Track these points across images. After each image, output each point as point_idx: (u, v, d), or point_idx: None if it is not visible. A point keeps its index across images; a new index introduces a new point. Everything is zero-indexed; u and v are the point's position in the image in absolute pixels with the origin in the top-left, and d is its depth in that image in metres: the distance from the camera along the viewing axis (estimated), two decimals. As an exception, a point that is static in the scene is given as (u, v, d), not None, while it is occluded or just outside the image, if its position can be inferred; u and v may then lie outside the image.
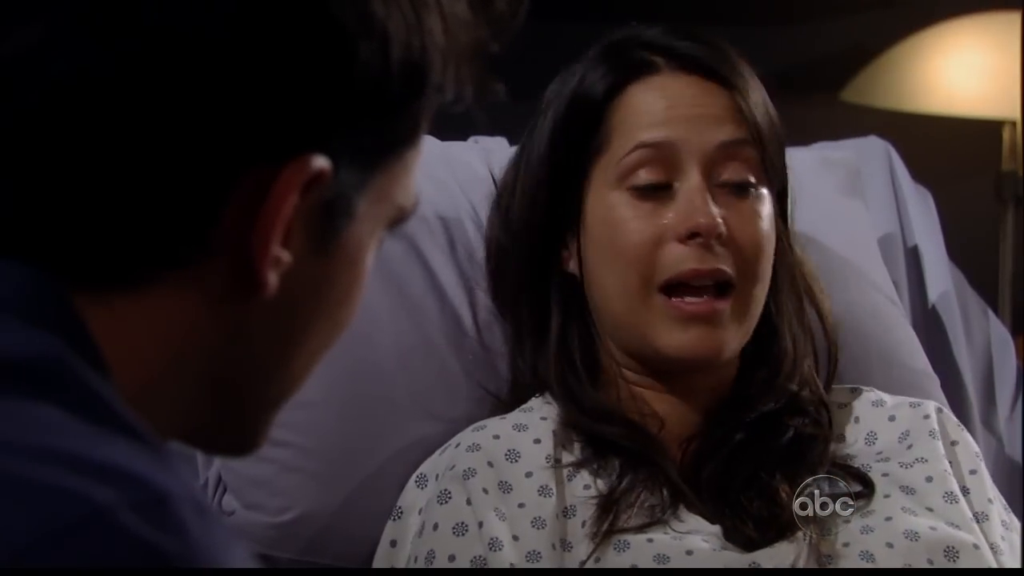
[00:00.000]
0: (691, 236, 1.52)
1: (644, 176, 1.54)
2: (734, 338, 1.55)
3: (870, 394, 1.66)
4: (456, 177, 1.80)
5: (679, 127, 1.54)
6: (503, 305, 1.67)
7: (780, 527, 1.51)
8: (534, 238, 1.60)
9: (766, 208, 1.56)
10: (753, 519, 1.52)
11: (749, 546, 1.51)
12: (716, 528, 1.52)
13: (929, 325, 1.96)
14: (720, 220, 1.52)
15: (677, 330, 1.53)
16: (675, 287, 1.53)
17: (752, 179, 1.55)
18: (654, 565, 1.48)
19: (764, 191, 1.57)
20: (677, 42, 1.57)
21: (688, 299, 1.53)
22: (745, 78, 1.57)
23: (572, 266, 1.60)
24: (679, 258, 1.52)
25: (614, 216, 1.55)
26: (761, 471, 1.54)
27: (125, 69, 0.77)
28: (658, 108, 1.55)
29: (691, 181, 1.53)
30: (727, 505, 1.53)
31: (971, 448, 1.63)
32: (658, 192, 1.54)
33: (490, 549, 1.51)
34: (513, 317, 1.65)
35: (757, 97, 1.57)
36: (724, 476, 1.55)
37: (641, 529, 1.51)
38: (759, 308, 1.57)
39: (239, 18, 0.78)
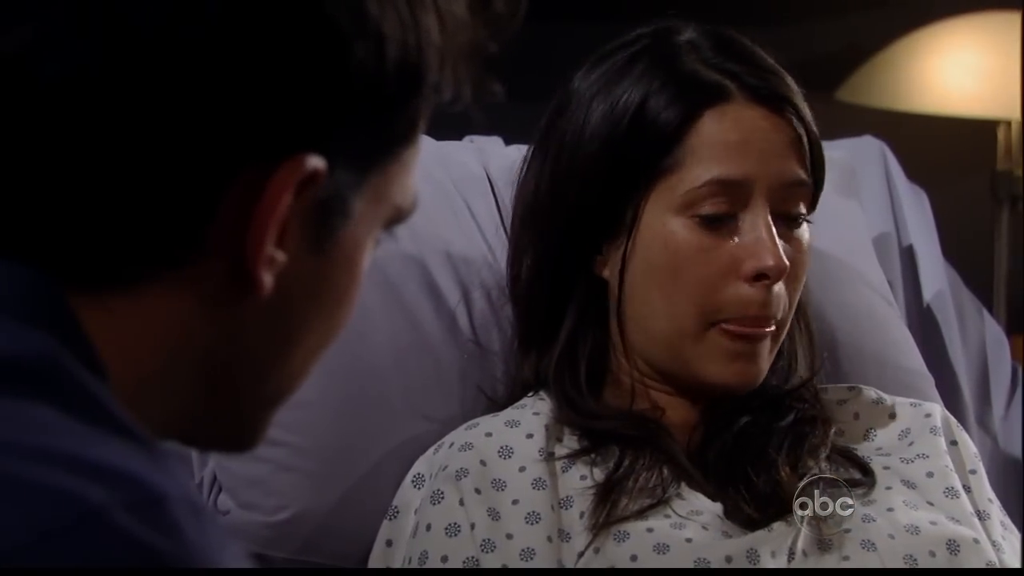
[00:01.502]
0: (758, 277, 1.52)
1: (711, 207, 1.53)
2: (768, 363, 1.56)
3: (869, 392, 1.67)
4: (451, 176, 1.79)
5: (752, 162, 1.53)
6: (517, 301, 1.65)
7: (780, 506, 1.52)
8: (570, 239, 1.58)
9: (807, 236, 1.57)
10: (755, 497, 1.52)
11: (749, 525, 1.51)
12: (717, 506, 1.53)
13: (924, 325, 1.96)
14: (788, 263, 1.52)
15: (724, 362, 1.53)
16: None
17: (804, 211, 1.56)
18: (654, 555, 1.49)
19: (807, 221, 1.57)
20: (741, 66, 1.55)
21: (736, 328, 1.52)
22: (802, 101, 1.56)
23: (607, 273, 1.58)
24: (745, 300, 1.52)
25: (677, 242, 1.53)
26: (767, 448, 1.55)
27: (118, 69, 0.77)
28: (733, 141, 1.53)
29: (758, 217, 1.52)
30: (731, 483, 1.54)
31: (970, 449, 1.64)
32: (723, 222, 1.53)
33: (482, 550, 1.51)
34: (525, 312, 1.63)
35: (812, 125, 1.56)
36: (731, 454, 1.55)
37: (642, 514, 1.51)
38: (785, 331, 1.58)
39: (232, 17, 0.78)
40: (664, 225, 1.54)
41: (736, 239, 1.52)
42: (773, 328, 1.54)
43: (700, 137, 1.53)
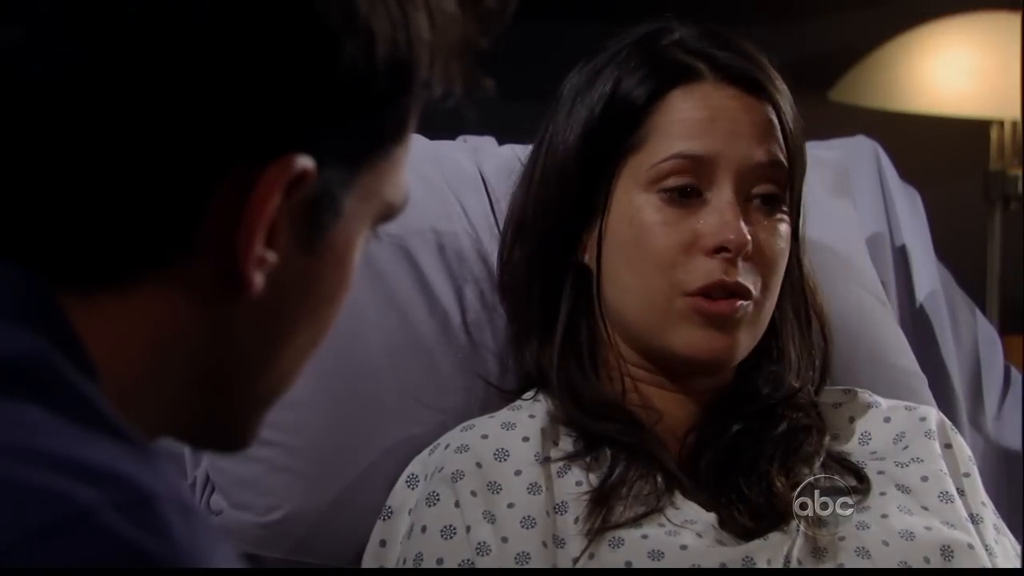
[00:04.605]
0: (718, 250, 1.52)
1: (675, 181, 1.54)
2: (745, 342, 1.56)
3: (864, 396, 1.67)
4: (444, 175, 1.79)
5: (718, 141, 1.54)
6: (510, 297, 1.66)
7: (775, 517, 1.52)
8: (554, 229, 1.60)
9: (786, 225, 1.57)
10: (749, 508, 1.52)
11: (744, 535, 1.51)
12: (711, 516, 1.52)
13: (917, 324, 1.96)
14: (750, 238, 1.52)
15: (695, 331, 1.53)
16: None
17: (780, 196, 1.56)
18: (648, 562, 1.49)
19: (786, 208, 1.57)
20: (719, 51, 1.56)
21: (703, 303, 1.53)
22: (781, 92, 1.57)
23: (588, 259, 1.59)
24: (708, 271, 1.52)
25: (642, 218, 1.55)
26: (759, 459, 1.55)
27: (106, 68, 0.77)
28: (699, 118, 1.54)
29: (724, 195, 1.53)
30: (724, 493, 1.54)
31: (964, 452, 1.63)
32: (688, 199, 1.54)
33: (478, 554, 1.51)
34: (520, 309, 1.64)
35: (792, 113, 1.57)
36: (723, 464, 1.55)
37: (636, 522, 1.51)
38: (768, 317, 1.58)
39: (222, 16, 0.78)
40: (631, 202, 1.55)
41: (700, 215, 1.53)
42: (743, 304, 1.53)
43: (666, 114, 1.55)
